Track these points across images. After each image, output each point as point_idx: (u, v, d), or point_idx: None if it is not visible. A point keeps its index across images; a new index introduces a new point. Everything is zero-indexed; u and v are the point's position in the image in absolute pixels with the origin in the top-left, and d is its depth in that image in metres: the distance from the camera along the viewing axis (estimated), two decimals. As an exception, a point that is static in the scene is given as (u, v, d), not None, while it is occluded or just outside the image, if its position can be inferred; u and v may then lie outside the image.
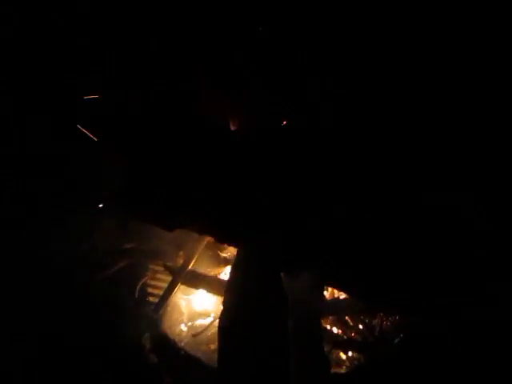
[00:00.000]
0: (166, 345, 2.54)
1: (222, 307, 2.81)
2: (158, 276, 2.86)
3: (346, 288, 2.45)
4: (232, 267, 2.30)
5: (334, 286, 2.68)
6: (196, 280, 2.65)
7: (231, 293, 2.25)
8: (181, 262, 2.74)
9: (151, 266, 2.88)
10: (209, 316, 2.87)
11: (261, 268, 2.25)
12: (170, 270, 2.69)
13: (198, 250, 2.66)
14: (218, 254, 2.84)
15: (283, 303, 2.24)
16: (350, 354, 2.83)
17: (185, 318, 2.86)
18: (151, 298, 2.78)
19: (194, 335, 2.65)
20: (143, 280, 2.78)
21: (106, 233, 2.68)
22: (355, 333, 2.89)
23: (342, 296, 2.95)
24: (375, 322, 2.94)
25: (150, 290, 2.81)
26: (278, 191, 2.13)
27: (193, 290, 2.85)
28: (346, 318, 2.94)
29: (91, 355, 2.46)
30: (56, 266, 2.51)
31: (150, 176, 2.08)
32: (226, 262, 2.89)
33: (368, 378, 2.50)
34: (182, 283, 2.65)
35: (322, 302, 2.61)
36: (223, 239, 2.18)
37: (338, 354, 2.87)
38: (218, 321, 2.67)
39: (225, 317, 2.21)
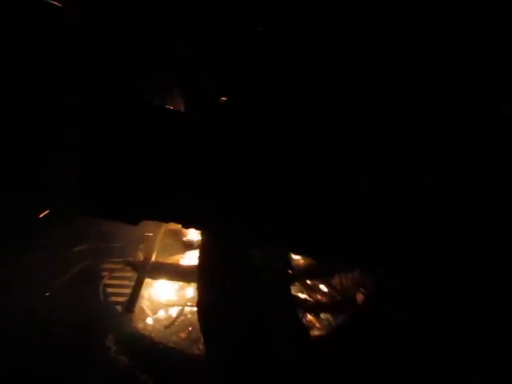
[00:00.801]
0: (140, 342, 2.44)
1: (190, 293, 2.80)
2: (117, 274, 2.72)
3: (307, 252, 2.49)
4: (201, 251, 2.25)
5: (294, 252, 2.73)
6: (162, 271, 2.56)
7: (206, 275, 2.21)
8: (141, 256, 2.63)
9: (107, 266, 2.73)
10: (172, 306, 2.81)
11: (231, 246, 2.24)
12: (134, 266, 2.58)
13: (157, 241, 2.57)
14: (177, 241, 2.76)
15: (257, 276, 2.26)
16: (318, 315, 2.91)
17: (149, 311, 2.77)
18: (114, 298, 2.65)
19: (167, 326, 2.58)
20: (103, 281, 2.63)
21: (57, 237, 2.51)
22: (321, 295, 2.97)
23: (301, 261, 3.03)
24: (335, 281, 3.05)
25: (110, 290, 2.67)
26: (237, 171, 2.09)
27: (152, 283, 2.78)
28: (309, 282, 3.01)
29: (57, 367, 2.32)
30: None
31: (107, 171, 1.95)
32: (187, 247, 2.82)
33: (344, 336, 2.59)
34: (149, 277, 2.55)
35: (288, 269, 2.64)
36: (190, 224, 2.11)
37: (306, 316, 2.94)
38: (186, 309, 2.67)
39: (203, 300, 2.19)
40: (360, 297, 2.88)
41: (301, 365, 2.27)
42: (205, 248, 2.24)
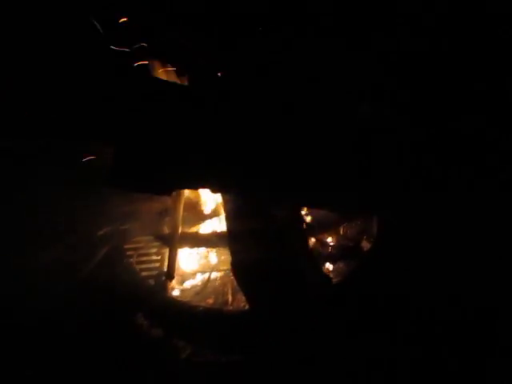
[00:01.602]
0: (177, 308, 2.56)
1: (213, 260, 2.94)
2: (143, 251, 2.84)
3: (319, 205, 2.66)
4: (227, 216, 2.38)
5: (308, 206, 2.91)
6: (190, 240, 2.70)
7: (236, 238, 2.35)
8: (166, 229, 2.76)
9: (131, 246, 2.85)
10: (197, 274, 2.94)
11: (255, 207, 2.38)
12: (164, 239, 2.70)
13: (180, 213, 2.69)
14: (194, 213, 2.90)
15: (281, 232, 2.41)
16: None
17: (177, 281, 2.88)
18: (145, 273, 2.76)
19: (198, 293, 2.72)
20: (132, 259, 2.75)
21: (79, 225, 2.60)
22: (331, 247, 3.16)
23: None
24: (341, 232, 3.25)
25: (139, 266, 2.78)
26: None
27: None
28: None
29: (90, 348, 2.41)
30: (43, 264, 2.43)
31: (137, 149, 2.06)
32: (203, 217, 2.97)
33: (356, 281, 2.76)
34: (179, 246, 2.68)
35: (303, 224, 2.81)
36: (218, 188, 2.24)
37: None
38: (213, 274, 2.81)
39: (237, 260, 2.33)
40: (365, 244, 3.08)
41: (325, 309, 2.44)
42: (230, 213, 2.37)
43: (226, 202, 2.40)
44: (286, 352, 2.26)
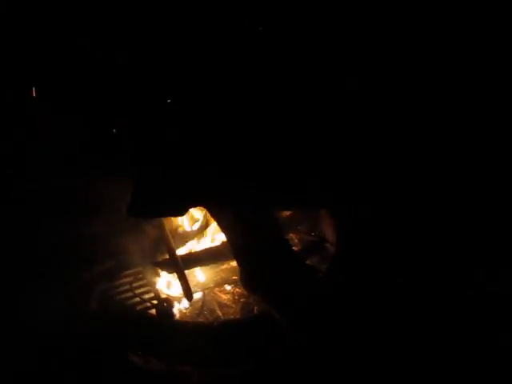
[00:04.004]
0: (185, 332, 2.53)
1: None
2: (136, 284, 2.79)
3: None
4: (227, 229, 2.48)
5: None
6: (191, 261, 2.74)
7: (243, 251, 2.45)
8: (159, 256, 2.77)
9: (122, 281, 2.79)
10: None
11: (252, 215, 2.51)
12: (163, 264, 2.69)
13: (170, 236, 2.71)
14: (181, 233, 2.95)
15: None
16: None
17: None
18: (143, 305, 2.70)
19: (199, 313, 2.75)
20: (127, 294, 2.70)
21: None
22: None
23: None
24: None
25: (136, 300, 2.72)
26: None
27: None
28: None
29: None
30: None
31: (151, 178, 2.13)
32: (184, 238, 3.03)
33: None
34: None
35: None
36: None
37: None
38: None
39: (248, 273, 2.43)
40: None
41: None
42: (229, 226, 2.47)
43: (222, 215, 2.48)
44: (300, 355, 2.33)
